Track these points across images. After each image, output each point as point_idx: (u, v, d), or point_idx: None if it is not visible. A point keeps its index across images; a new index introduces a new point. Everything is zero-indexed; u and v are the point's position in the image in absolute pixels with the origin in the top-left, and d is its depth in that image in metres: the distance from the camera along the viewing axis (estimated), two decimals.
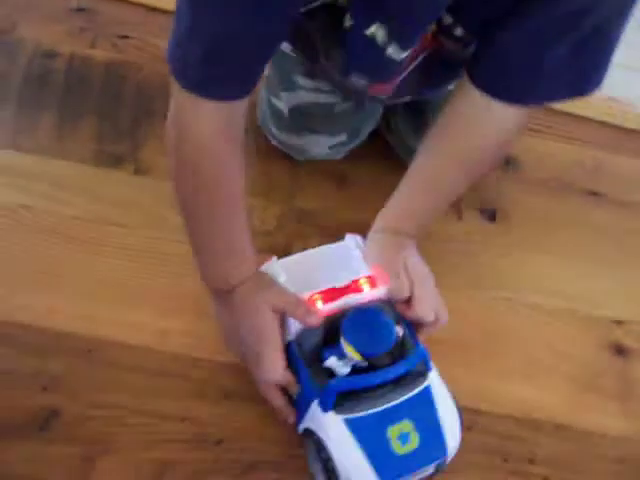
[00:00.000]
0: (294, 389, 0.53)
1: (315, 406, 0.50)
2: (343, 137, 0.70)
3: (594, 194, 0.75)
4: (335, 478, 0.49)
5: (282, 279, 0.54)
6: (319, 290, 0.52)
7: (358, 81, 0.59)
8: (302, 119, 0.69)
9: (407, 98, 0.65)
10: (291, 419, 0.53)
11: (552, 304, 0.63)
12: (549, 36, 0.50)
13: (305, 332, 0.51)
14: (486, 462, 0.56)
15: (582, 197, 0.75)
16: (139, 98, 0.76)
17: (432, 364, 0.52)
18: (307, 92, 0.68)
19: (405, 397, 0.50)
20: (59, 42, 0.80)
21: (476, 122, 0.56)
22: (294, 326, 0.52)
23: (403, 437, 0.49)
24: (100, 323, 0.60)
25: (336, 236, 0.66)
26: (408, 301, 0.54)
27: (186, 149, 0.53)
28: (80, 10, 0.84)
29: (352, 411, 0.49)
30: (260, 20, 0.45)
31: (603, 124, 0.82)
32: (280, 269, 0.55)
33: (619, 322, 0.65)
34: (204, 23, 0.46)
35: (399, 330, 0.51)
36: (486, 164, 0.59)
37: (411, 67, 0.58)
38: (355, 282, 0.52)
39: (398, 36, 0.51)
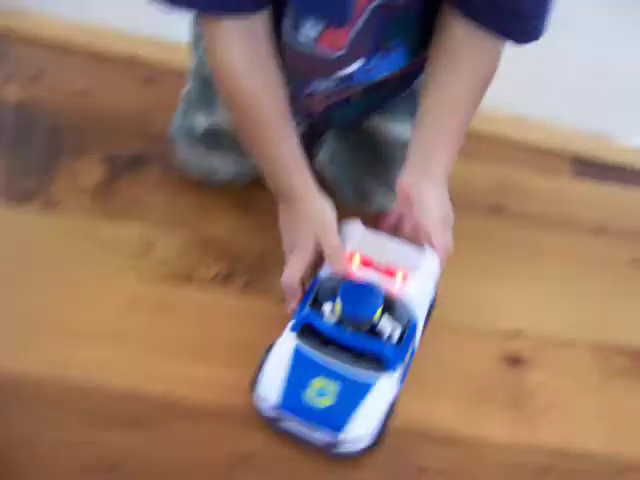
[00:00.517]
0: (292, 301, 0.58)
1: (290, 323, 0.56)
2: (252, 161, 0.70)
3: (497, 210, 0.78)
4: (259, 376, 0.55)
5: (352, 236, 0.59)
6: (365, 254, 0.57)
7: (310, 32, 0.56)
8: (216, 136, 0.69)
9: (356, 65, 0.61)
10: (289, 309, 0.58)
11: (445, 315, 0.64)
12: None
13: (330, 278, 0.56)
14: (375, 474, 0.56)
15: (484, 212, 0.77)
16: (50, 136, 0.77)
17: (398, 372, 0.54)
18: (226, 112, 0.66)
19: (351, 372, 0.54)
20: None
21: (469, 56, 0.59)
22: (326, 269, 0.57)
23: (321, 392, 0.53)
24: None
25: (237, 262, 0.68)
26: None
27: (222, 78, 0.58)
28: None
29: (307, 345, 0.54)
30: None
31: (508, 141, 0.84)
32: (357, 231, 0.60)
33: (514, 333, 0.67)
34: None
35: (392, 326, 0.54)
36: (484, 91, 0.62)
37: (364, 16, 0.57)
38: (394, 271, 0.56)
39: None
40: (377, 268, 0.57)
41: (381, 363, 0.54)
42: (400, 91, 0.70)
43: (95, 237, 0.68)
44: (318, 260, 0.58)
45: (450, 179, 0.61)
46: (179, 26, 0.76)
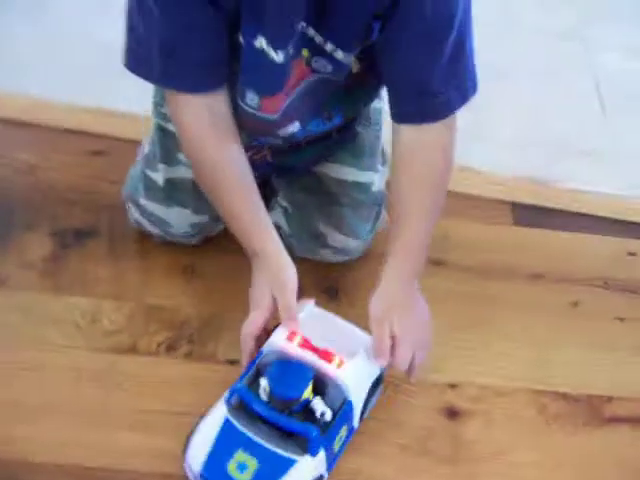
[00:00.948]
0: (243, 356, 0.61)
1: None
2: (205, 218, 0.73)
3: (439, 263, 0.80)
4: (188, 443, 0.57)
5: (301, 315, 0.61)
6: (307, 335, 0.59)
7: (252, 100, 0.63)
8: (175, 191, 0.72)
9: (295, 127, 0.66)
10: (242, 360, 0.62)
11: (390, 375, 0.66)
12: (422, 50, 0.59)
13: (271, 352, 0.59)
14: None
15: (426, 266, 0.79)
16: (3, 211, 0.79)
17: (319, 455, 0.56)
18: (187, 168, 0.71)
19: (273, 449, 0.55)
20: None
21: (416, 152, 0.63)
22: (271, 342, 0.60)
23: (242, 466, 0.54)
24: None
25: (181, 329, 0.69)
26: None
27: (188, 146, 0.64)
28: None
29: (236, 418, 0.56)
30: (180, 15, 0.57)
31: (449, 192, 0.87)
32: (308, 310, 0.63)
33: (453, 384, 0.69)
34: (140, 32, 0.59)
35: (323, 409, 0.56)
36: (446, 177, 0.67)
37: (296, 91, 0.63)
38: (333, 354, 0.58)
39: (272, 38, 0.57)
40: (316, 350, 0.58)
41: (304, 444, 0.55)
42: (342, 140, 0.73)
43: (42, 312, 0.70)
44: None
45: None
46: (121, 97, 0.79)
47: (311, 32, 0.59)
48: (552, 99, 1.08)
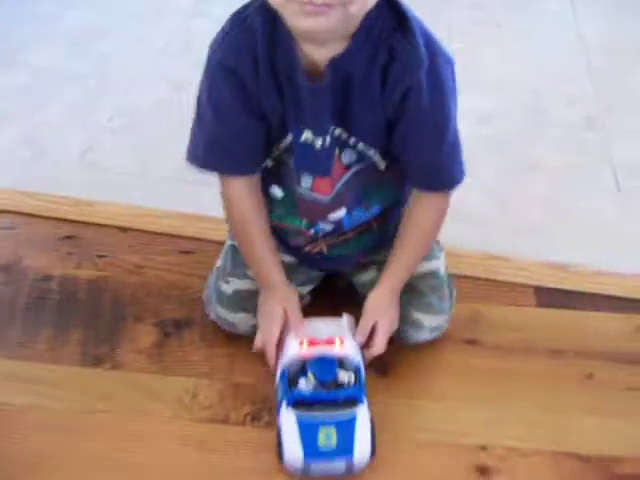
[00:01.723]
0: (271, 358, 0.82)
1: (283, 404, 0.78)
2: None
3: (471, 342, 0.96)
4: (281, 449, 0.77)
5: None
6: (309, 337, 0.81)
7: (306, 182, 0.82)
8: (240, 301, 0.90)
9: (341, 212, 0.86)
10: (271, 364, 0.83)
11: (420, 427, 0.82)
12: (428, 141, 0.79)
13: (292, 364, 0.80)
14: None
15: (460, 345, 0.95)
16: (114, 306, 0.99)
17: (364, 400, 0.78)
18: (252, 282, 0.89)
19: (339, 415, 0.77)
20: (52, 267, 1.05)
21: (420, 207, 0.85)
22: (287, 357, 0.81)
23: (327, 436, 0.75)
24: None
25: (263, 403, 0.87)
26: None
27: (229, 210, 0.86)
28: (68, 238, 1.09)
29: (302, 412, 0.76)
30: (228, 122, 0.78)
31: (478, 279, 1.03)
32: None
33: (483, 446, 0.83)
34: (196, 128, 0.81)
35: (348, 375, 0.78)
36: (436, 231, 0.88)
37: (341, 180, 0.82)
38: (333, 340, 0.81)
39: (313, 129, 0.77)
40: (321, 342, 0.81)
41: (354, 401, 0.77)
42: (385, 234, 0.91)
43: (152, 389, 0.89)
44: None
45: None
46: (206, 204, 0.98)
47: (338, 130, 0.78)
48: (572, 187, 1.23)
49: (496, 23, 1.75)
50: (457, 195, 1.09)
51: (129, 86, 1.49)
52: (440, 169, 0.82)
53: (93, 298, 1.01)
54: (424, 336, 0.91)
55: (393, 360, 0.92)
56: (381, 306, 0.86)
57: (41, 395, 0.88)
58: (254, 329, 0.88)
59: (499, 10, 1.81)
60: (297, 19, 0.67)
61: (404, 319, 0.89)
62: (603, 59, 1.61)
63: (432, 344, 0.93)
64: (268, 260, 0.86)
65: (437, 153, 0.80)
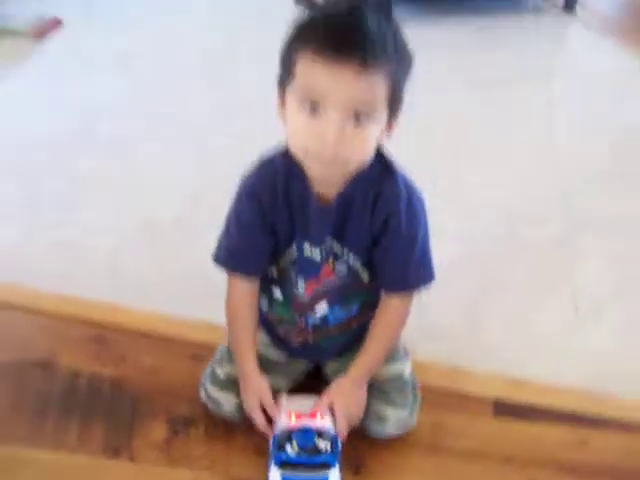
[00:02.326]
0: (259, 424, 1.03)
1: (272, 463, 0.98)
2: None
3: (433, 447, 1.12)
4: None
5: (282, 399, 1.06)
6: (296, 411, 1.01)
7: (300, 285, 1.03)
8: (229, 383, 1.09)
9: (324, 307, 1.06)
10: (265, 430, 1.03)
11: None
12: (400, 255, 0.99)
13: (282, 431, 0.99)
14: None
15: (425, 450, 1.11)
16: (132, 403, 1.17)
17: (337, 465, 0.96)
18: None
19: (315, 475, 0.97)
20: (82, 365, 1.23)
21: (387, 308, 1.05)
22: (277, 426, 1.00)
23: None
24: None
25: None
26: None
27: (227, 299, 1.06)
28: (96, 339, 1.28)
29: (286, 471, 0.97)
30: (248, 236, 1.00)
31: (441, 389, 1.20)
32: (284, 398, 1.07)
33: None
34: (224, 235, 1.03)
35: (325, 444, 0.97)
36: (401, 326, 1.08)
37: (326, 283, 1.02)
38: (315, 413, 1.01)
39: (313, 243, 0.99)
40: (305, 416, 1.00)
41: (328, 465, 0.96)
42: (360, 333, 1.09)
43: (161, 479, 1.05)
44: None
45: None
46: (216, 311, 1.16)
47: (335, 244, 0.99)
48: (534, 305, 1.41)
49: (479, 145, 1.97)
50: (434, 310, 1.30)
51: (153, 195, 1.70)
52: (406, 276, 1.03)
53: (115, 395, 1.18)
54: (389, 430, 1.07)
55: (365, 460, 1.08)
56: (340, 390, 1.04)
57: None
58: (236, 409, 1.08)
59: (483, 135, 2.03)
60: (311, 167, 0.91)
61: (369, 414, 1.07)
62: (574, 181, 1.81)
63: (400, 447, 1.09)
64: (246, 350, 1.06)
65: (405, 264, 1.01)
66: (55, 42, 2.52)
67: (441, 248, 1.50)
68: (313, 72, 0.84)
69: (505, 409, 1.19)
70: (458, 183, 1.79)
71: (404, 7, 2.77)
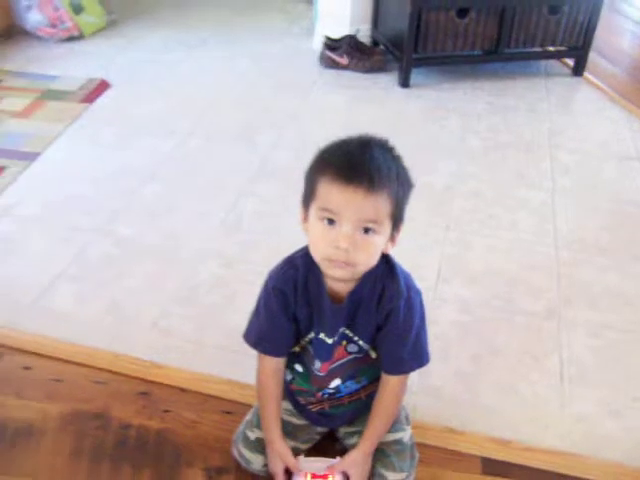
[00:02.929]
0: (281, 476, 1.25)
1: None
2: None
3: None
4: None
5: (301, 460, 1.25)
6: (312, 472, 1.23)
7: (317, 364, 1.22)
8: (258, 445, 1.29)
9: (337, 382, 1.27)
10: None
11: None
12: (398, 342, 1.17)
13: None
14: None
15: None
16: (173, 453, 1.38)
17: None
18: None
19: None
20: (131, 417, 1.45)
21: (386, 387, 1.22)
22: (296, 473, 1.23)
23: None
24: None
25: None
26: None
27: (257, 375, 1.26)
28: (143, 394, 1.50)
29: None
30: (274, 323, 1.19)
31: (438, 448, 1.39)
32: (303, 460, 1.26)
33: None
34: (254, 320, 1.23)
35: None
36: (399, 402, 1.27)
37: (339, 362, 1.23)
38: (326, 476, 1.22)
39: (328, 332, 1.18)
40: (319, 476, 1.21)
41: None
42: (368, 402, 1.28)
43: None
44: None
45: None
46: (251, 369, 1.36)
47: (347, 331, 1.19)
48: (523, 372, 1.59)
49: (486, 213, 2.17)
50: (434, 376, 1.49)
51: (191, 260, 1.92)
52: (401, 361, 1.21)
53: (159, 445, 1.39)
54: None
55: None
56: (353, 462, 1.24)
57: None
58: (263, 467, 1.29)
59: (490, 199, 2.23)
60: (328, 270, 1.11)
61: (373, 473, 1.27)
62: (570, 253, 2.00)
63: None
64: (272, 420, 1.25)
65: (400, 350, 1.20)
66: (101, 105, 2.77)
67: (446, 315, 1.72)
68: (330, 195, 1.05)
69: (491, 467, 1.37)
70: (463, 247, 1.99)
71: (423, 74, 3.02)
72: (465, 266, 1.94)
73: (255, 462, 1.30)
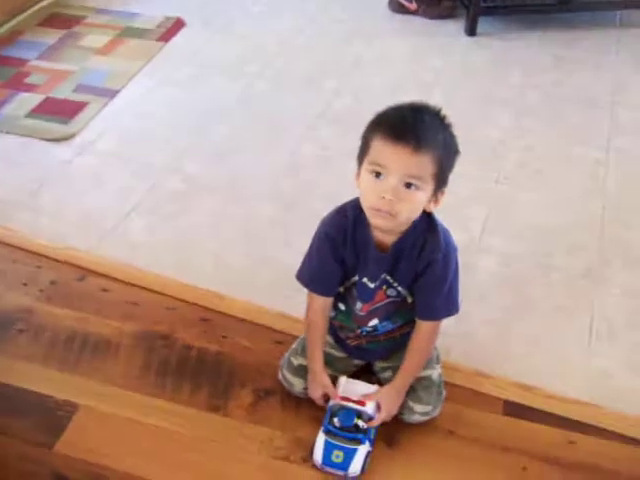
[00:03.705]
0: (319, 401, 1.43)
1: (321, 429, 1.37)
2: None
3: (451, 432, 1.46)
4: (313, 452, 1.36)
5: (343, 381, 1.42)
6: (346, 395, 1.39)
7: (358, 305, 1.37)
8: (300, 370, 1.47)
9: (375, 321, 1.42)
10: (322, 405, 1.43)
11: None
12: (433, 292, 1.31)
13: (335, 405, 1.38)
14: None
15: (444, 434, 1.46)
16: (229, 374, 1.57)
17: (367, 443, 1.34)
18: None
19: (348, 446, 1.33)
20: (193, 340, 1.64)
21: (420, 331, 1.37)
22: (331, 403, 1.39)
23: (337, 456, 1.33)
24: None
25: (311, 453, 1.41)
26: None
27: (307, 309, 1.41)
28: (204, 320, 1.69)
29: (329, 437, 1.35)
30: (324, 266, 1.34)
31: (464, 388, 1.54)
32: (344, 381, 1.43)
33: None
34: (306, 261, 1.38)
35: (362, 425, 1.34)
36: (431, 345, 1.41)
37: (378, 305, 1.38)
38: (360, 401, 1.37)
39: (371, 277, 1.32)
40: (353, 400, 1.37)
41: (359, 441, 1.32)
42: (404, 341, 1.43)
43: (244, 433, 1.45)
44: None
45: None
46: (298, 305, 1.52)
47: (388, 277, 1.33)
48: (554, 327, 1.70)
49: (536, 169, 2.23)
50: (469, 322, 1.63)
51: (252, 200, 2.08)
52: (434, 308, 1.35)
53: (216, 366, 1.59)
54: (415, 417, 1.43)
55: (398, 437, 1.44)
56: (387, 396, 1.40)
57: (180, 425, 1.47)
58: (304, 391, 1.47)
59: (542, 155, 2.29)
60: (373, 219, 1.23)
61: (403, 405, 1.42)
62: (615, 213, 2.05)
63: (424, 430, 1.44)
64: (317, 352, 1.42)
65: (434, 299, 1.34)
66: (176, 44, 2.90)
67: (486, 265, 1.83)
68: (381, 150, 1.17)
69: (512, 409, 1.51)
70: (511, 201, 2.08)
71: (490, 23, 3.01)
72: (511, 220, 2.02)
73: (297, 385, 1.47)
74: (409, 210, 1.20)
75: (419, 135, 1.15)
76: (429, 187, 1.20)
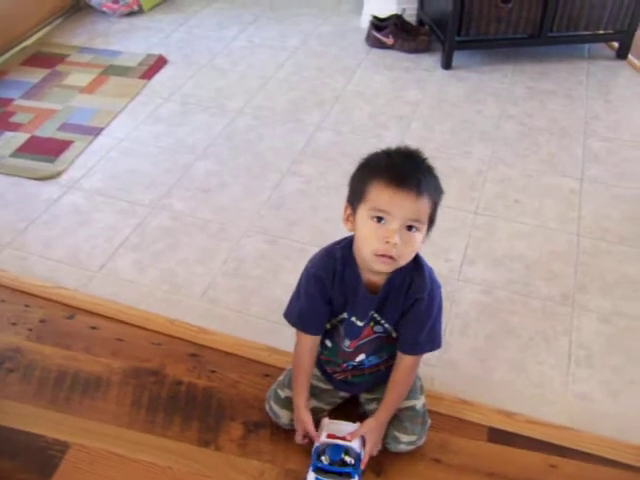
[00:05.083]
0: (299, 441, 1.47)
1: (310, 468, 1.37)
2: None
3: (437, 461, 1.50)
4: None
5: (326, 422, 1.44)
6: (332, 433, 1.40)
7: (346, 342, 1.41)
8: (287, 403, 1.50)
9: (362, 356, 1.46)
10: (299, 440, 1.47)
11: None
12: (417, 328, 1.34)
13: (322, 444, 1.39)
14: None
15: (430, 462, 1.49)
16: (218, 408, 1.60)
17: (357, 477, 1.35)
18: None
19: None
20: (183, 375, 1.67)
21: (402, 364, 1.39)
22: (320, 440, 1.39)
23: None
24: None
25: None
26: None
27: (295, 347, 1.43)
28: (193, 355, 1.72)
29: (319, 474, 1.36)
30: (313, 306, 1.37)
31: (449, 416, 1.58)
32: (327, 422, 1.45)
33: None
34: (294, 300, 1.40)
35: (349, 460, 1.36)
36: (412, 378, 1.44)
37: (365, 340, 1.41)
38: (346, 438, 1.39)
39: (359, 317, 1.36)
40: (339, 437, 1.38)
41: (349, 475, 1.35)
42: (387, 373, 1.46)
43: (236, 467, 1.48)
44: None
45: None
46: (284, 339, 1.56)
47: (376, 315, 1.37)
48: (534, 353, 1.75)
49: (514, 199, 2.30)
50: (452, 351, 1.67)
51: (238, 236, 2.12)
52: (417, 343, 1.39)
53: (206, 401, 1.61)
54: (401, 447, 1.47)
55: (385, 466, 1.47)
56: (370, 429, 1.43)
57: (171, 461, 1.49)
58: (290, 422, 1.50)
59: (519, 185, 2.36)
60: (375, 264, 1.26)
61: (388, 435, 1.46)
62: (592, 241, 2.12)
63: (411, 458, 1.48)
64: (301, 390, 1.44)
65: (418, 335, 1.38)
66: (159, 81, 2.96)
67: (467, 295, 1.89)
68: (383, 196, 1.21)
69: (496, 435, 1.55)
70: (490, 232, 2.14)
71: (465, 56, 3.11)
72: (489, 250, 2.09)
73: (283, 417, 1.51)
74: (410, 252, 1.26)
75: (420, 181, 1.21)
76: (424, 228, 1.25)
